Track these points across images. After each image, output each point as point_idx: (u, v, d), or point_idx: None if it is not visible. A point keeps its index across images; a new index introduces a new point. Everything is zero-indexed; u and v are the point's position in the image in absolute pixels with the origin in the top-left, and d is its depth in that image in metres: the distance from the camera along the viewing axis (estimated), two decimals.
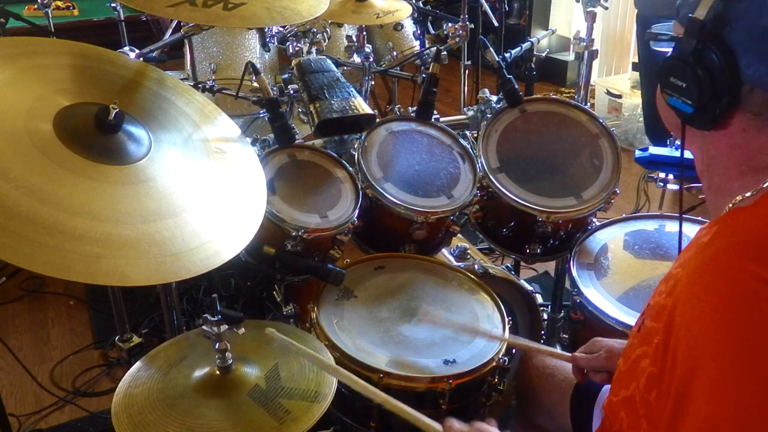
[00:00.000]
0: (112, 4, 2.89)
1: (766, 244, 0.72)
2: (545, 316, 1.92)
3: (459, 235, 1.84)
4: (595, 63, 2.39)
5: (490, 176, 1.72)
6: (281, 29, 2.49)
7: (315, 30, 2.16)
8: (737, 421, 0.67)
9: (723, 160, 0.84)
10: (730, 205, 0.83)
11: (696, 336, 0.72)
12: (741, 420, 0.67)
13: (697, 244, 0.82)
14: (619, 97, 4.11)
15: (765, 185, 0.79)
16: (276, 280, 1.59)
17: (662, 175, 2.12)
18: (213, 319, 1.09)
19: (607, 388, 1.22)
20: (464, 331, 1.38)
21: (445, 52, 1.91)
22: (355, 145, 1.68)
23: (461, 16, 2.77)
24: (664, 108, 0.90)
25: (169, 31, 2.55)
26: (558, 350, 1.47)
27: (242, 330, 1.11)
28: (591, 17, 2.05)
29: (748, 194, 0.81)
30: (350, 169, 1.63)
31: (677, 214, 1.82)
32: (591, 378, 1.22)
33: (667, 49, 0.88)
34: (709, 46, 0.78)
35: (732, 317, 0.70)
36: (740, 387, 0.67)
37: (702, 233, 0.84)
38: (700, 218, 1.69)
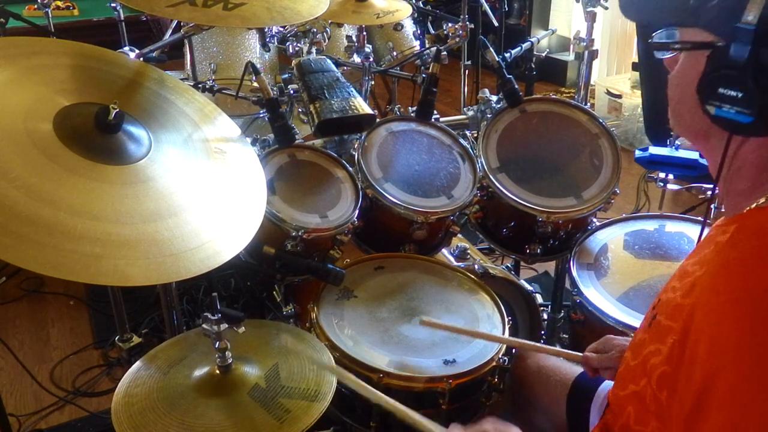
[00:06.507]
0: (112, 4, 2.88)
1: None
2: (545, 316, 1.92)
3: (459, 235, 1.84)
4: (595, 63, 2.39)
5: (490, 176, 1.72)
6: (281, 29, 2.49)
7: (315, 30, 2.16)
8: (759, 427, 0.67)
9: (760, 162, 0.82)
10: (754, 205, 0.82)
11: (718, 341, 0.71)
12: (763, 426, 0.67)
13: (714, 241, 0.82)
14: (619, 97, 4.11)
15: None
16: (276, 280, 1.59)
17: (662, 175, 2.12)
18: (213, 317, 1.09)
19: (603, 388, 1.22)
20: (466, 335, 1.38)
21: (445, 52, 1.91)
22: (355, 145, 1.68)
23: (461, 16, 2.77)
24: (692, 117, 0.85)
25: (169, 31, 2.54)
26: (562, 349, 1.46)
27: (242, 329, 1.11)
28: (591, 17, 2.06)
29: None
30: (350, 169, 1.63)
31: (679, 215, 1.81)
32: (601, 375, 1.21)
33: (670, 56, 0.86)
34: (766, 51, 0.74)
35: (758, 324, 0.69)
36: (763, 393, 0.67)
37: (718, 231, 0.83)
38: (699, 218, 1.69)
